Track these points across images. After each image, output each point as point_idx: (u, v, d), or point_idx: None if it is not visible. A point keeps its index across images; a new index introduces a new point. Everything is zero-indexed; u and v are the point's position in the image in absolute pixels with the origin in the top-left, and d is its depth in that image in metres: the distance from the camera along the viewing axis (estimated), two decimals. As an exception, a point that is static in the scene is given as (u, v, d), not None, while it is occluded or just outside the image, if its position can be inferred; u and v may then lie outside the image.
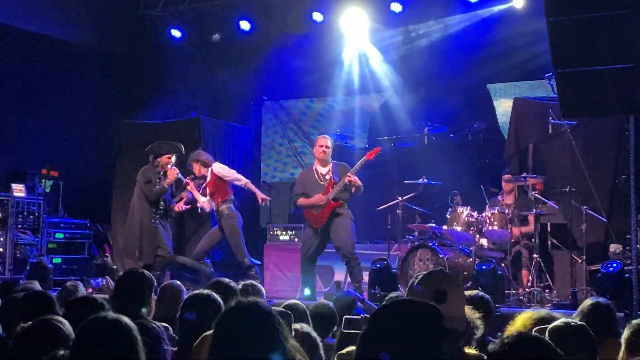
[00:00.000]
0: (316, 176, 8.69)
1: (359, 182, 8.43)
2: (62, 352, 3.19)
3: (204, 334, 3.51)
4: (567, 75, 6.14)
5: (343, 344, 3.77)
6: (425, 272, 2.98)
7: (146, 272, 4.57)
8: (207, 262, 9.25)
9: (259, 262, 9.63)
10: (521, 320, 3.80)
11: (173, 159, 9.16)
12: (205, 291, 4.20)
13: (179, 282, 5.21)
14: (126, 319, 2.58)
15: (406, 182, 9.56)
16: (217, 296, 4.10)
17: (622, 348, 3.67)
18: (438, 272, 3.04)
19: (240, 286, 5.14)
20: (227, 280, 4.96)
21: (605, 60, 5.96)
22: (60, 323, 3.31)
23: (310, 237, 8.74)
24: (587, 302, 4.46)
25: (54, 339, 3.22)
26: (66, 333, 3.28)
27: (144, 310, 4.14)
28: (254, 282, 5.77)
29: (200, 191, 9.17)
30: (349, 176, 8.39)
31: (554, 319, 3.62)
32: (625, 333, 3.70)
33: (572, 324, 3.48)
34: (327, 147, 8.68)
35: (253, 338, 2.40)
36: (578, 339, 3.37)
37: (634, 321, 3.77)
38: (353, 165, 8.68)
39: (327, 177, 8.61)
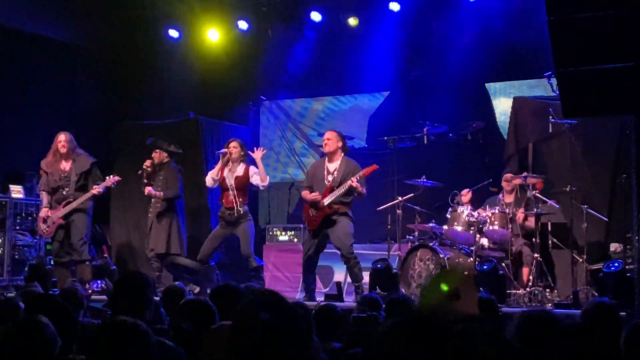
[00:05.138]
0: (324, 172, 8.68)
1: (361, 189, 8.41)
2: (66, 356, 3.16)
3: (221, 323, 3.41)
4: (568, 75, 6.11)
5: (350, 344, 3.73)
6: (437, 271, 2.98)
7: (144, 272, 4.52)
8: (211, 264, 9.24)
9: (263, 263, 9.60)
10: None
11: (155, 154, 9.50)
12: (198, 299, 4.10)
13: (182, 285, 5.19)
14: (144, 324, 2.55)
15: (406, 181, 9.54)
16: (211, 303, 4.02)
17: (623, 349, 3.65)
18: (450, 270, 3.04)
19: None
20: (233, 283, 4.91)
21: (607, 59, 5.93)
22: (44, 324, 3.26)
23: (309, 238, 8.77)
24: (591, 302, 4.46)
25: (38, 341, 3.17)
26: (49, 334, 3.23)
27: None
28: (259, 284, 5.74)
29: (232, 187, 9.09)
30: (351, 182, 8.37)
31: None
32: (624, 335, 3.68)
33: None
34: (327, 139, 8.69)
35: (276, 329, 2.33)
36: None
37: (633, 323, 3.75)
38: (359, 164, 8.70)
39: (334, 175, 8.57)
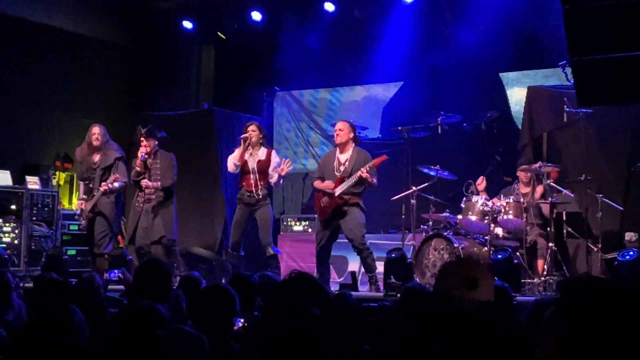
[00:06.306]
0: (335, 162, 8.67)
1: (371, 179, 8.38)
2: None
3: None
4: (583, 63, 6.09)
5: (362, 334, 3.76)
6: (455, 259, 3.00)
7: (163, 261, 4.55)
8: (242, 254, 9.16)
9: (280, 252, 9.60)
10: None
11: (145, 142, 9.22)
12: (218, 285, 4.09)
13: (197, 274, 5.22)
14: (163, 308, 2.57)
15: (420, 168, 9.50)
16: (232, 289, 4.00)
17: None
18: (467, 258, 3.05)
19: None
20: (247, 274, 4.94)
21: (621, 47, 5.91)
22: (74, 311, 3.26)
23: (321, 229, 8.78)
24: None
25: (68, 328, 3.17)
26: (79, 322, 3.24)
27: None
28: (275, 274, 5.75)
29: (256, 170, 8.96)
30: (361, 173, 8.35)
31: None
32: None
33: None
34: (340, 129, 8.63)
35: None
36: None
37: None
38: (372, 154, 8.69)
39: (345, 165, 8.57)
